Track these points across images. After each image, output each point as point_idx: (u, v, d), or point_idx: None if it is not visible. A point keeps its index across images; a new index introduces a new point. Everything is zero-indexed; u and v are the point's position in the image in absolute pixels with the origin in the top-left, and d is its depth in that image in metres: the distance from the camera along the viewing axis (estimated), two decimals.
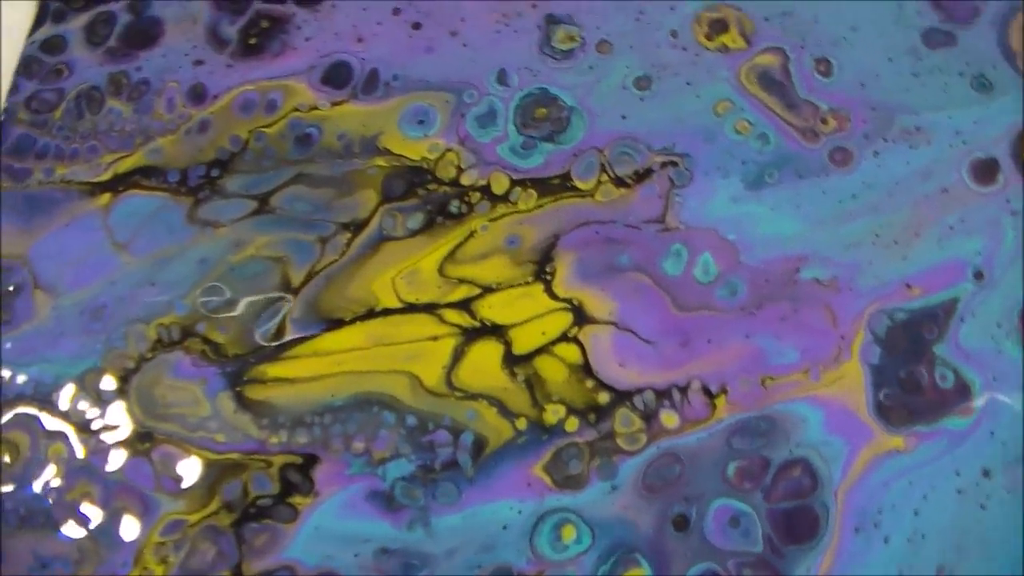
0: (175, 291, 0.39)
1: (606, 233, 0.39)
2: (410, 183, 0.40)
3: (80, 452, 0.37)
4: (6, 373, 0.39)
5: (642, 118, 0.41)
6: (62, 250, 0.41)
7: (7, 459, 0.37)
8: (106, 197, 0.41)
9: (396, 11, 0.43)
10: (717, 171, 0.40)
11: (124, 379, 0.39)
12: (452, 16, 0.42)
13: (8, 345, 0.39)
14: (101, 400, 0.38)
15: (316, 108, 0.42)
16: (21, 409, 0.38)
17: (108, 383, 0.39)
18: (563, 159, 0.40)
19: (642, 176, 0.40)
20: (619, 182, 0.40)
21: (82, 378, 0.39)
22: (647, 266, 0.39)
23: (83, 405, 0.39)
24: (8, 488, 0.37)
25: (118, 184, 0.41)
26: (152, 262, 0.40)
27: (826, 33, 0.43)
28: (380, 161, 0.41)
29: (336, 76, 0.42)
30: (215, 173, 0.41)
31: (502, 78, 0.41)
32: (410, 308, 0.39)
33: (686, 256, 0.39)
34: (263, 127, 0.41)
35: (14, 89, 0.44)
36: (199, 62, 0.43)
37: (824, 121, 0.42)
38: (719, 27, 0.43)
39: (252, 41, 0.43)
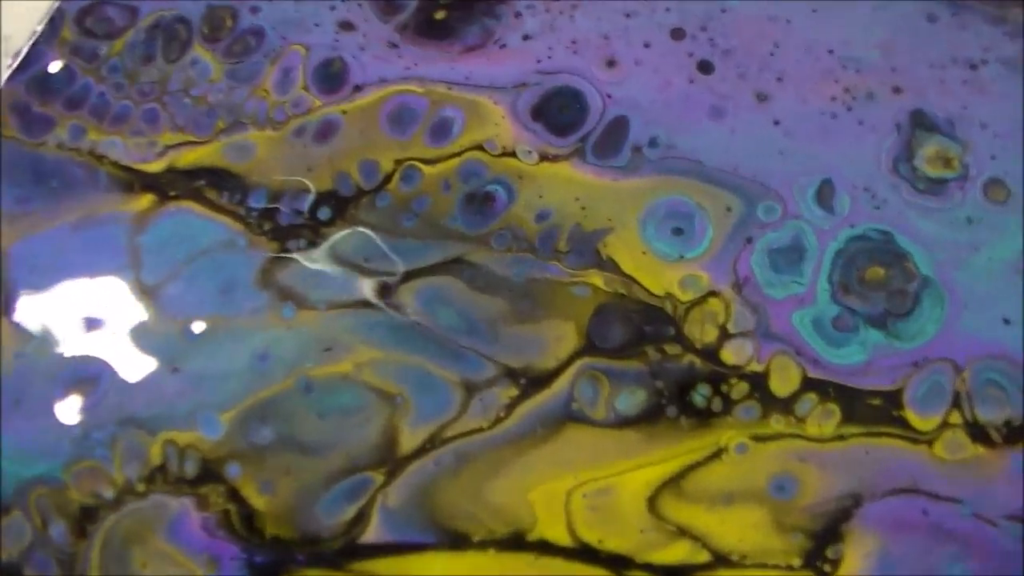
0: (209, 394, 0.24)
1: (939, 518, 0.23)
2: (637, 333, 0.24)
3: None
4: None
5: None
6: (57, 263, 0.26)
7: None
8: (147, 200, 0.26)
9: (678, 33, 0.27)
10: None
11: (89, 516, 0.24)
12: (764, 67, 0.26)
13: None
14: (43, 540, 0.24)
15: (514, 155, 0.26)
16: None
17: (63, 513, 0.24)
18: (897, 366, 0.24)
19: (1019, 433, 0.24)
20: (978, 433, 0.24)
21: (24, 492, 0.24)
22: None
23: (14, 540, 0.24)
24: None
25: (171, 185, 0.26)
26: (186, 331, 0.25)
27: None
28: (596, 278, 0.25)
29: (557, 112, 0.26)
30: (324, 214, 0.26)
31: (824, 196, 0.25)
32: (585, 554, 0.23)
33: None
34: (421, 160, 0.26)
35: None
36: (347, 26, 0.28)
37: None
38: None
39: (439, 16, 0.27)
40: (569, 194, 0.25)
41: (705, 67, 0.26)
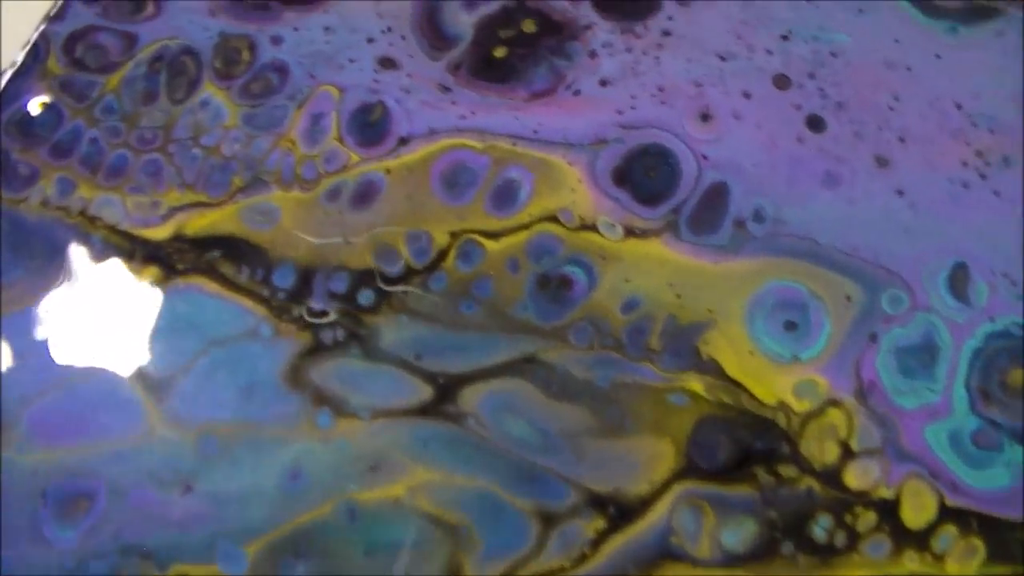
0: (230, 520, 0.20)
1: None
2: (745, 451, 0.20)
3: None
4: None
5: None
6: (42, 348, 0.22)
7: None
8: (150, 274, 0.22)
9: (782, 81, 0.23)
10: None
11: None
12: (883, 124, 0.22)
13: None
14: None
15: (594, 229, 0.22)
16: None
17: None
18: None
19: None
20: None
21: None
22: None
23: None
24: None
25: (179, 256, 0.22)
26: (200, 441, 0.21)
27: None
28: (696, 384, 0.21)
29: (644, 175, 0.22)
30: (365, 298, 0.21)
31: (958, 284, 0.21)
32: None
33: None
34: (482, 232, 0.22)
35: (56, 14, 0.24)
36: (389, 63, 0.23)
37: None
38: None
39: (498, 53, 0.23)
40: (661, 279, 0.21)
41: (816, 123, 0.22)
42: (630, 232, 0.21)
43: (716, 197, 0.21)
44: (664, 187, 0.21)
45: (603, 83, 0.22)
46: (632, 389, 0.20)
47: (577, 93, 0.22)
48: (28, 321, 0.21)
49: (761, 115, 0.22)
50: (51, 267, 0.22)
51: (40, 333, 0.21)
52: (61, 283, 0.22)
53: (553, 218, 0.21)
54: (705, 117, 0.22)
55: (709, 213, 0.21)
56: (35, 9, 0.26)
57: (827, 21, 0.23)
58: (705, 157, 0.21)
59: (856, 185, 0.21)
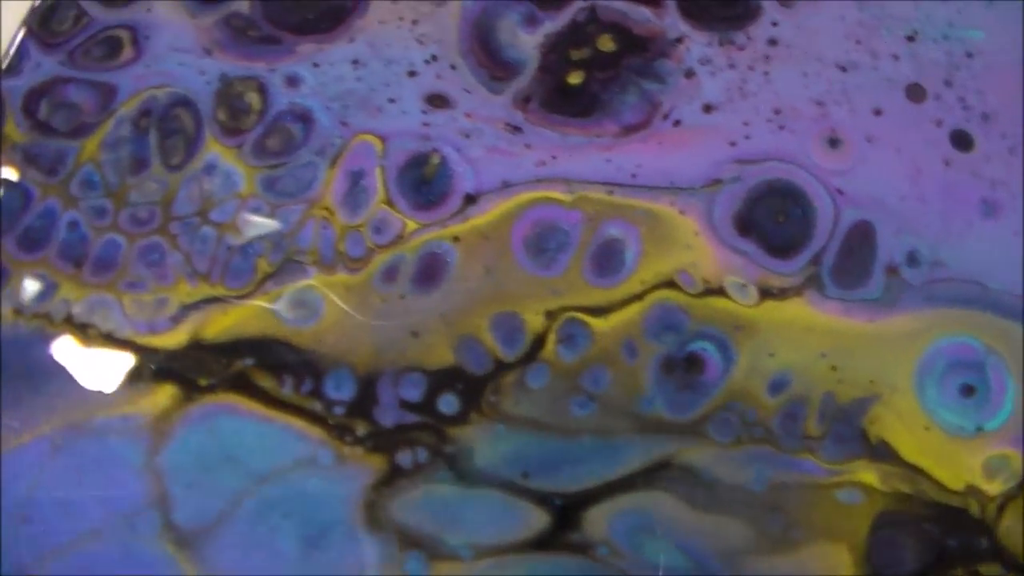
0: None
1: None
2: (938, 550, 0.17)
3: None
4: None
5: None
6: (32, 505, 0.17)
7: None
8: (165, 395, 0.17)
9: (917, 92, 0.19)
10: None
11: None
12: None
13: None
14: None
15: (722, 293, 0.18)
16: None
17: None
18: None
19: None
20: None
21: None
22: None
23: None
24: None
25: (200, 368, 0.17)
26: None
27: None
28: (867, 475, 0.17)
29: (771, 220, 0.18)
30: (447, 405, 0.17)
31: None
32: None
33: None
34: (584, 309, 0.18)
35: (9, 66, 0.19)
36: (440, 101, 0.19)
37: None
38: None
39: (574, 79, 0.19)
40: (811, 348, 0.17)
41: (962, 140, 0.18)
42: (766, 293, 0.17)
43: (861, 240, 0.18)
44: (798, 233, 0.17)
45: (707, 109, 0.18)
46: (794, 490, 0.16)
47: (678, 124, 0.18)
48: (15, 468, 0.17)
49: (898, 136, 0.18)
50: (35, 396, 0.17)
51: (31, 486, 0.17)
52: (51, 416, 0.17)
53: (670, 283, 0.17)
54: (833, 142, 0.18)
55: (855, 261, 0.17)
56: None
57: (956, 16, 0.19)
58: (841, 192, 0.18)
59: (1018, 210, 0.18)
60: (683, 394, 0.17)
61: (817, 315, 0.17)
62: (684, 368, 0.17)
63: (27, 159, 0.18)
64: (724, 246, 0.17)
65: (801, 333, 0.17)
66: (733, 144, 0.18)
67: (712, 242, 0.17)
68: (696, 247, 0.17)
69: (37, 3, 0.19)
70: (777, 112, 0.18)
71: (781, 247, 0.17)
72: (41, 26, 0.19)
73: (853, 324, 0.17)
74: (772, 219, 0.18)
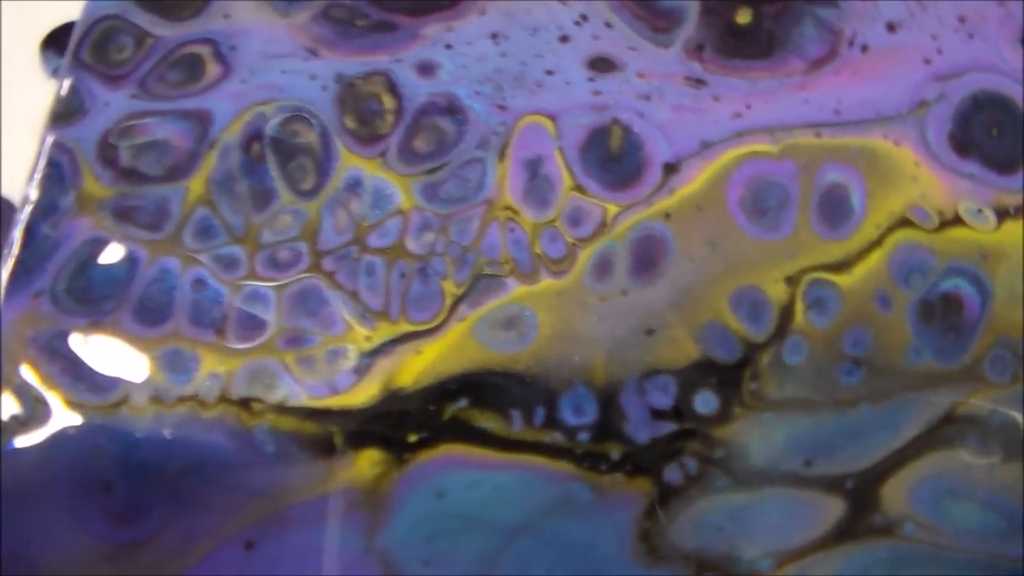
0: None
1: None
2: None
3: None
4: None
5: None
6: None
7: None
8: (369, 461, 0.14)
9: None
10: None
11: None
12: None
13: None
14: None
15: (960, 223, 0.15)
16: None
17: None
18: None
19: None
20: None
21: None
22: None
23: None
24: None
25: (404, 424, 0.14)
26: None
27: None
28: None
29: (986, 133, 0.16)
30: (705, 405, 0.14)
31: None
32: None
33: None
34: (824, 267, 0.15)
35: (66, 110, 0.15)
36: (605, 64, 0.16)
37: None
38: None
39: (742, 19, 0.16)
40: None
41: None
42: (1003, 214, 0.16)
43: None
44: (1018, 144, 0.16)
45: (891, 28, 0.16)
46: None
47: (865, 49, 0.16)
48: None
49: None
50: (210, 494, 0.14)
51: None
52: (235, 515, 0.14)
53: (905, 221, 0.16)
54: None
55: None
56: (35, 9, 0.18)
57: None
58: None
59: None
60: (948, 338, 0.15)
61: None
62: (942, 310, 0.15)
63: (120, 216, 0.15)
64: (948, 171, 0.16)
65: None
66: (928, 61, 0.16)
67: (935, 169, 0.16)
68: (921, 178, 0.16)
69: (79, 32, 0.16)
70: (962, 20, 0.17)
71: (1004, 162, 0.16)
72: (96, 57, 0.16)
73: None
74: (987, 134, 0.16)
